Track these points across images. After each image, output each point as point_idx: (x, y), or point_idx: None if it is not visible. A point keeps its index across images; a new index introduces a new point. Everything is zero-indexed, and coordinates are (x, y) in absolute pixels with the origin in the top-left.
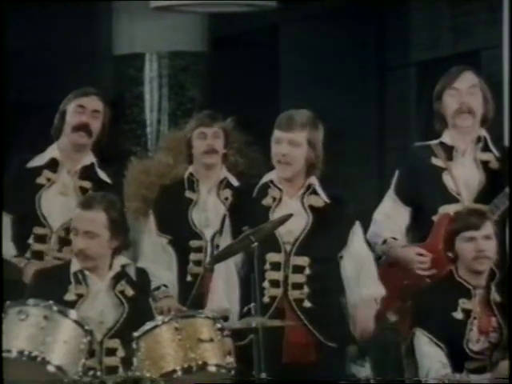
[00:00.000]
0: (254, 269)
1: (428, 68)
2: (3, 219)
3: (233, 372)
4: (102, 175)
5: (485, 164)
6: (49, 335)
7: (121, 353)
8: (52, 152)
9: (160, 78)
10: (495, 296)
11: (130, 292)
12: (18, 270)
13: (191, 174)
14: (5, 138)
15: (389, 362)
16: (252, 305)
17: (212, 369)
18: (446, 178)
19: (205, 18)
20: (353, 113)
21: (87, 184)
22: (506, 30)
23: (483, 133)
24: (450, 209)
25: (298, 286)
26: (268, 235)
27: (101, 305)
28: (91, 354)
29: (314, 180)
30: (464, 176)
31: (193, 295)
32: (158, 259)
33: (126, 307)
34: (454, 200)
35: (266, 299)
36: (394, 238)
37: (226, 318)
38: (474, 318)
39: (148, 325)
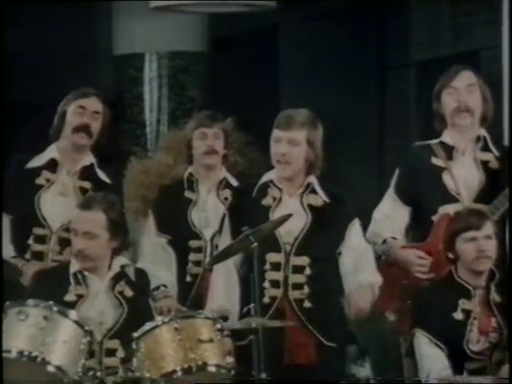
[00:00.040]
0: (253, 269)
1: (428, 68)
2: (3, 220)
3: (233, 372)
4: (102, 175)
5: (485, 164)
6: (49, 335)
7: (120, 353)
8: (51, 152)
9: (160, 78)
10: (495, 296)
11: (129, 292)
12: (18, 270)
13: (191, 174)
14: (4, 138)
15: (389, 362)
16: (252, 305)
17: (212, 369)
18: (446, 178)
19: (205, 18)
20: (353, 112)
21: (87, 184)
22: (505, 30)
23: (483, 132)
24: (449, 208)
25: (298, 287)
26: (268, 235)
27: (100, 305)
28: (91, 354)
29: (313, 179)
30: (464, 176)
31: (192, 295)
32: (157, 259)
33: (126, 308)
34: (453, 200)
35: (266, 299)
36: (394, 238)
37: (225, 319)
38: (474, 319)
39: (148, 325)
